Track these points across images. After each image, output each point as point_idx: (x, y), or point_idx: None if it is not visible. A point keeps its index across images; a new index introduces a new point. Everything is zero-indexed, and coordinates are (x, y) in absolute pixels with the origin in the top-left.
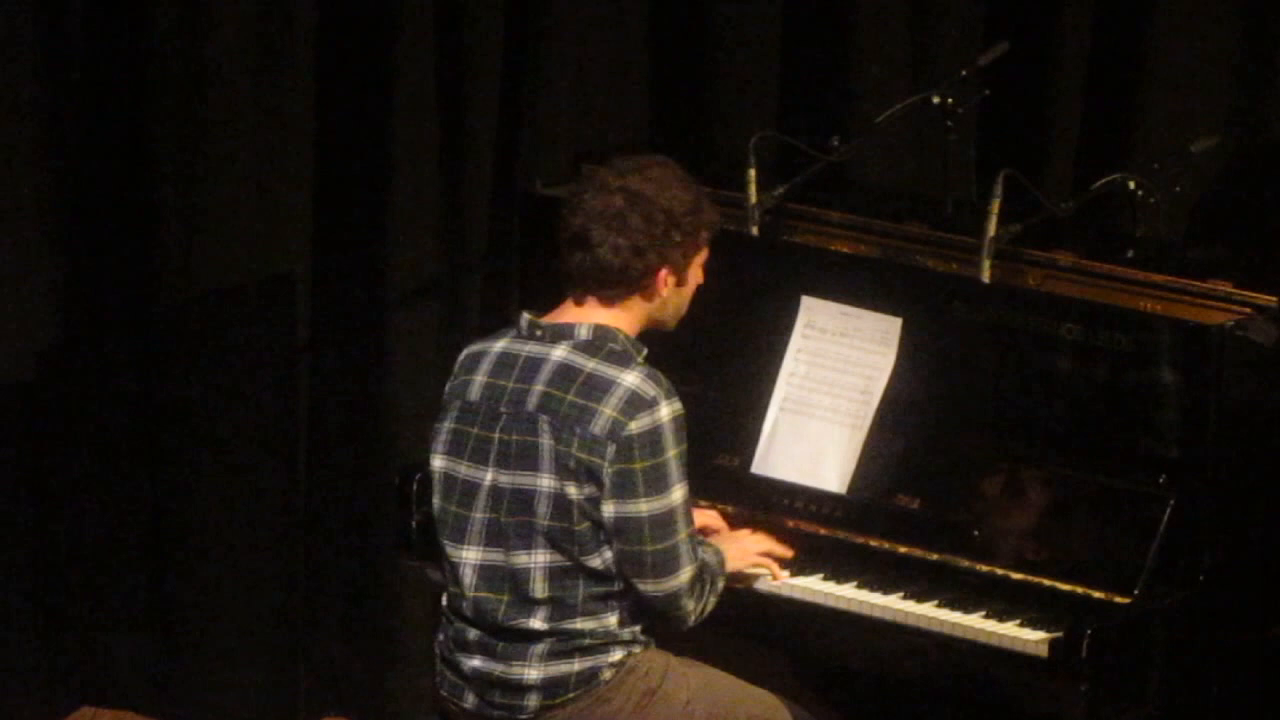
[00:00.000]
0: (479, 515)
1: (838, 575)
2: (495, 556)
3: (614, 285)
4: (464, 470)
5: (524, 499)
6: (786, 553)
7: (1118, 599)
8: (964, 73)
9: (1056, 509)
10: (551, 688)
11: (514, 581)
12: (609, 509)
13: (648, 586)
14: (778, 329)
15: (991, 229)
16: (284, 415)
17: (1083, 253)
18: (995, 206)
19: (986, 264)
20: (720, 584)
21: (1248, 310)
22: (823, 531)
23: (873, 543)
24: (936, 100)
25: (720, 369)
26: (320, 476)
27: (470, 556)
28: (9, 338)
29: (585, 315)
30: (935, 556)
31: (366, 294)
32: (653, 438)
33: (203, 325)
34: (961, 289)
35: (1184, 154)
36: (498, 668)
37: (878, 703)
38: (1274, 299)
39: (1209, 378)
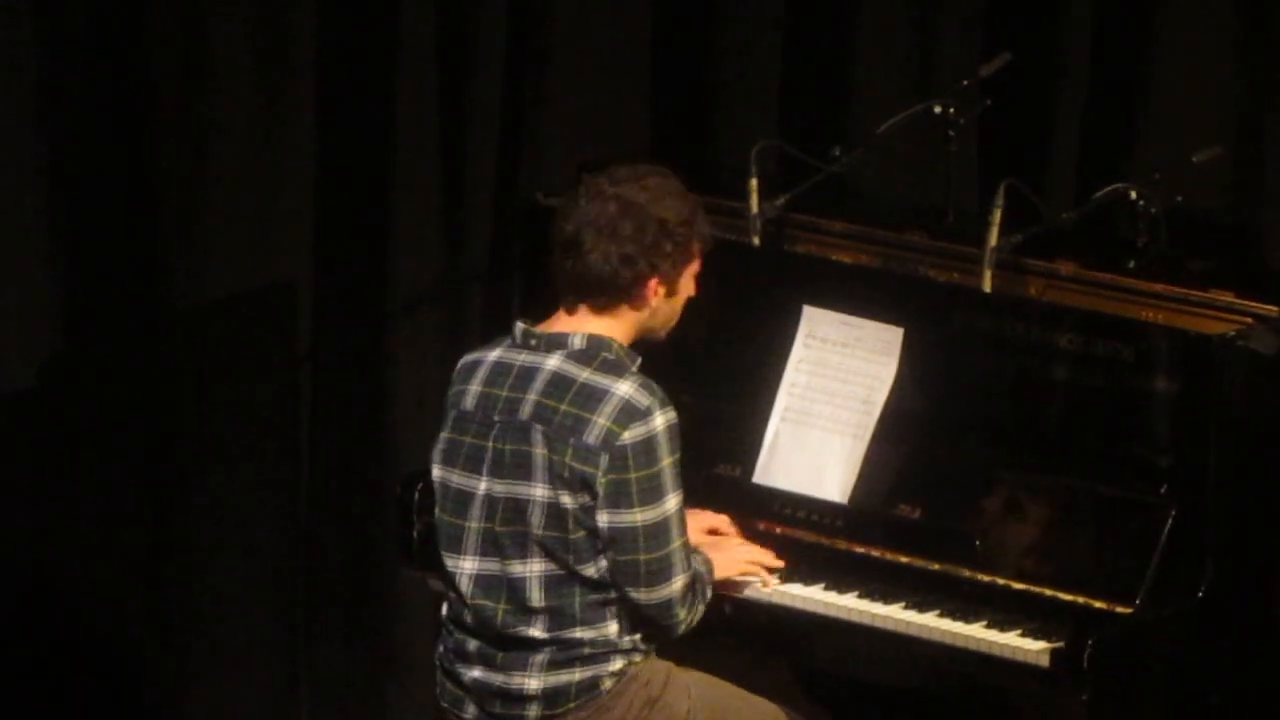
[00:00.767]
0: (474, 525)
1: (839, 585)
2: (491, 566)
3: (603, 293)
4: (457, 479)
5: (518, 508)
6: (776, 562)
7: (1119, 609)
8: (966, 83)
9: (1058, 519)
10: (552, 697)
11: (511, 590)
12: (603, 519)
13: (640, 595)
14: (779, 339)
15: (993, 239)
16: (285, 423)
17: (1084, 263)
18: (997, 216)
19: (988, 274)
20: (709, 593)
21: (1249, 320)
22: (824, 541)
23: (874, 553)
24: (938, 110)
25: (722, 378)
26: (321, 485)
27: (467, 566)
28: (9, 345)
29: (578, 324)
30: (936, 566)
31: (368, 303)
32: (647, 447)
33: (204, 333)
34: (963, 299)
35: (1185, 164)
36: (498, 678)
37: (878, 713)
38: (1275, 309)
39: (1210, 387)
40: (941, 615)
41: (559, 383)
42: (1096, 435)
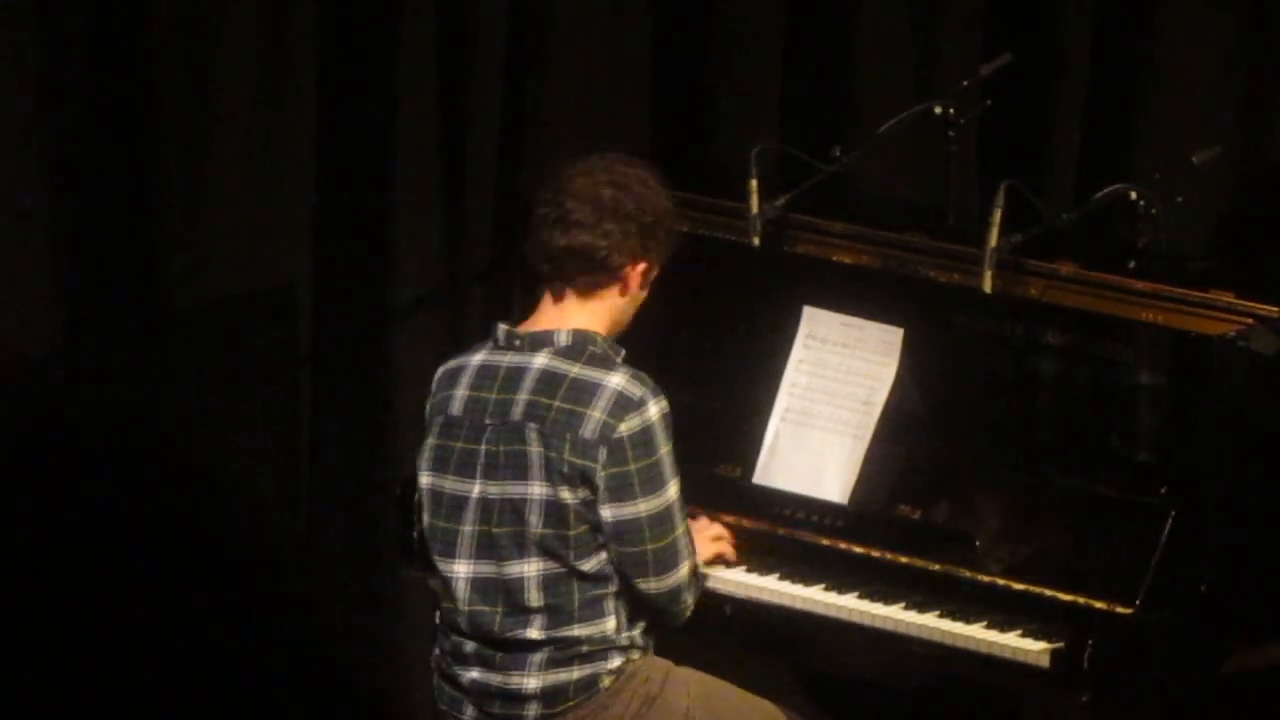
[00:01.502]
0: (468, 528)
1: (839, 585)
2: (487, 568)
3: (592, 271)
4: (449, 485)
5: (515, 509)
6: (732, 539)
7: (1119, 610)
8: (966, 83)
9: (1058, 520)
10: (551, 696)
11: (507, 592)
12: (607, 513)
13: (650, 584)
14: (779, 339)
15: (993, 239)
16: (286, 423)
17: (1084, 263)
18: (997, 217)
19: (988, 274)
20: (702, 579)
21: (1249, 320)
22: (824, 542)
23: (874, 553)
24: (938, 111)
25: (722, 379)
26: (321, 485)
27: (461, 570)
28: (9, 345)
29: (563, 317)
30: (937, 567)
31: (369, 301)
32: (644, 438)
33: (204, 333)
34: (963, 299)
35: (1186, 165)
36: (496, 678)
37: (878, 713)
38: (1275, 309)
39: (1210, 388)
40: (941, 616)
41: (549, 380)
42: (1096, 435)
